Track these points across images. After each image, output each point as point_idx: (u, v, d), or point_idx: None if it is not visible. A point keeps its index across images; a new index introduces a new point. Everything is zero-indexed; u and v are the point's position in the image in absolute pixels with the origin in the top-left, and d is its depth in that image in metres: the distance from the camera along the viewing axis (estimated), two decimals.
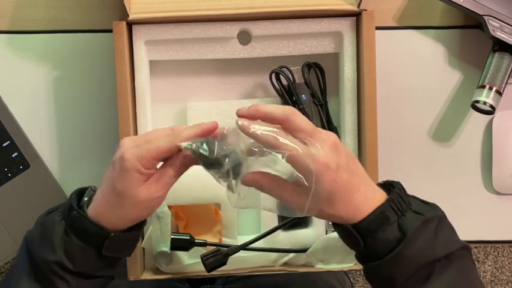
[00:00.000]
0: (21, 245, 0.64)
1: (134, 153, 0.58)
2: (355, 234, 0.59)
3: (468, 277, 0.61)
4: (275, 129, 0.57)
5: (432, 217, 0.60)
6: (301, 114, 0.58)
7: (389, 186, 0.62)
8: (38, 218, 0.65)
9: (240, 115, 0.59)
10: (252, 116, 0.58)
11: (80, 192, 0.64)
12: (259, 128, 0.57)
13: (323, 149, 0.56)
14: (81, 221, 0.60)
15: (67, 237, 0.60)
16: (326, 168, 0.56)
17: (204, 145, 0.59)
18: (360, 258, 0.63)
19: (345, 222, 0.60)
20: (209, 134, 0.60)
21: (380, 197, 0.60)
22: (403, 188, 0.62)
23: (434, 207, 0.62)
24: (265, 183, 0.59)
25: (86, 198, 0.62)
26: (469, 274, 0.61)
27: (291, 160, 0.56)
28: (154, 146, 0.58)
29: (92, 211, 0.61)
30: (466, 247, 0.61)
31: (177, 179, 0.61)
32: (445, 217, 0.62)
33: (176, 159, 0.60)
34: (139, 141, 0.59)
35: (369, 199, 0.59)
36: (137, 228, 0.64)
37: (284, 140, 0.56)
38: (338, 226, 0.62)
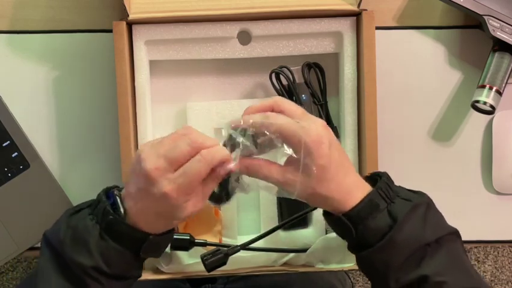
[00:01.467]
0: (41, 244, 0.64)
1: (177, 189, 0.57)
2: (346, 222, 0.60)
3: (459, 260, 0.62)
4: (266, 114, 0.60)
5: (421, 202, 0.61)
6: (290, 101, 0.62)
7: (375, 177, 0.64)
8: (62, 218, 0.64)
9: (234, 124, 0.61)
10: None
11: (107, 194, 0.63)
12: (251, 117, 0.60)
13: (315, 125, 0.59)
14: (119, 226, 0.60)
15: (103, 242, 0.60)
16: (319, 141, 0.59)
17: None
18: (352, 248, 0.64)
19: (336, 210, 0.61)
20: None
21: (367, 186, 0.62)
22: (390, 178, 0.64)
23: (420, 194, 0.64)
24: (254, 167, 0.61)
25: (122, 210, 0.61)
26: (459, 257, 0.63)
27: (283, 134, 0.58)
28: (194, 174, 0.57)
29: (130, 220, 0.61)
30: (455, 232, 0.63)
31: (213, 188, 0.61)
32: (433, 203, 0.63)
33: (216, 175, 0.60)
34: (168, 171, 0.57)
35: (359, 186, 0.62)
36: (171, 231, 0.65)
37: (276, 118, 0.59)
38: (329, 216, 0.63)
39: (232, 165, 0.59)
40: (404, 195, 0.62)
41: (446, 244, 0.61)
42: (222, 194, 0.63)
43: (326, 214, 0.64)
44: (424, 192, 0.64)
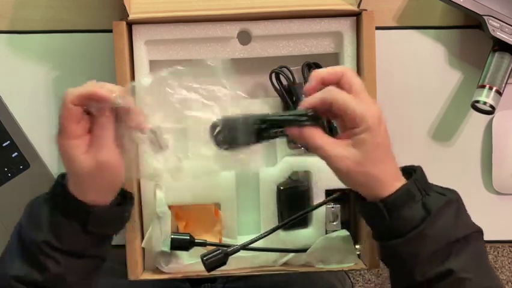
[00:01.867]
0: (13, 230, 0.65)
1: (63, 115, 0.60)
2: (382, 208, 0.60)
3: (484, 259, 0.63)
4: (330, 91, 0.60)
5: (454, 198, 0.62)
6: (357, 75, 0.61)
7: (409, 170, 0.64)
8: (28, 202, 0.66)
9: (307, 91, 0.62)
10: (315, 87, 0.62)
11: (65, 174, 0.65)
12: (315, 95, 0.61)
13: (376, 106, 0.60)
14: (64, 197, 0.61)
15: (53, 216, 0.61)
16: (379, 119, 0.59)
17: None
18: (379, 236, 0.64)
19: (372, 195, 0.61)
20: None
21: (403, 177, 0.62)
22: (423, 172, 0.64)
23: (453, 191, 0.64)
24: (306, 133, 0.61)
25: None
26: (484, 256, 0.63)
27: (345, 109, 0.59)
28: (75, 95, 0.60)
29: (70, 188, 0.62)
30: (481, 231, 0.64)
31: (110, 134, 0.61)
32: (462, 200, 0.64)
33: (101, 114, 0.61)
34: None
35: (399, 174, 0.62)
36: (123, 205, 0.65)
37: (339, 93, 0.59)
38: (363, 202, 0.63)
39: (114, 96, 0.60)
40: (438, 190, 0.62)
41: (473, 242, 0.61)
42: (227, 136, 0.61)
43: (359, 199, 0.64)
44: (454, 189, 0.65)
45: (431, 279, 0.60)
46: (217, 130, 0.61)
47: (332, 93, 0.59)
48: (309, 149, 0.61)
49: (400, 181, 0.62)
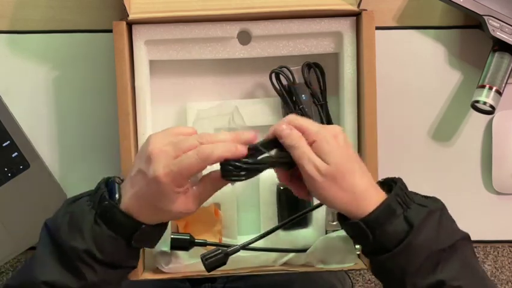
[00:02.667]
0: (41, 232, 0.64)
1: (168, 175, 0.58)
2: (364, 228, 0.61)
3: (471, 264, 0.63)
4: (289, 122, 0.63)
5: (436, 208, 0.62)
6: (302, 118, 0.63)
7: (390, 183, 0.64)
8: (63, 205, 0.65)
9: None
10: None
11: (107, 182, 0.64)
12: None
13: (332, 126, 0.63)
14: (112, 211, 0.61)
15: (97, 227, 0.61)
16: (335, 135, 0.62)
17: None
18: (367, 252, 0.64)
19: (352, 214, 0.61)
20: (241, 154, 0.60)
21: (382, 192, 0.63)
22: (404, 183, 0.64)
23: (435, 199, 0.64)
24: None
25: (117, 196, 0.62)
26: (472, 261, 0.64)
27: (305, 131, 0.62)
28: (185, 166, 0.58)
29: (125, 207, 0.61)
30: (467, 236, 0.64)
31: (212, 193, 0.63)
32: (446, 208, 0.64)
33: (216, 177, 0.61)
34: (169, 156, 0.58)
35: (374, 189, 0.62)
36: (164, 224, 0.65)
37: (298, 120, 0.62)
38: (345, 221, 0.63)
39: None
40: (419, 201, 0.62)
41: (459, 249, 0.62)
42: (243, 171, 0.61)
43: (341, 219, 0.64)
44: (437, 197, 0.65)
45: None
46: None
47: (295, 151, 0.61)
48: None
49: (378, 196, 0.62)
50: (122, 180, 0.64)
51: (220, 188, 0.62)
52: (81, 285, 0.61)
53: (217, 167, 0.61)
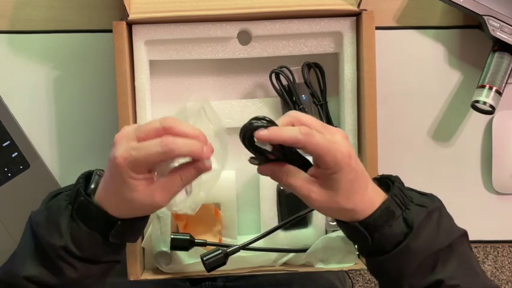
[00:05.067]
0: (25, 225, 0.64)
1: (127, 159, 0.55)
2: (363, 231, 0.60)
3: (469, 262, 0.63)
4: (301, 130, 0.56)
5: (434, 208, 0.61)
6: (305, 114, 0.59)
7: (386, 181, 0.63)
8: (45, 199, 0.64)
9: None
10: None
11: (87, 176, 0.64)
12: (284, 131, 0.56)
13: (341, 138, 0.57)
14: (88, 207, 0.60)
15: (74, 223, 0.60)
16: (349, 156, 0.57)
17: None
18: (365, 253, 0.64)
19: (353, 218, 0.60)
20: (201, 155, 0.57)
21: (381, 193, 0.61)
22: (402, 182, 0.63)
23: (432, 197, 0.63)
24: (279, 173, 0.59)
25: (92, 186, 0.62)
26: (469, 259, 0.63)
27: (319, 152, 0.56)
28: (145, 154, 0.55)
29: (98, 199, 0.60)
30: (464, 233, 0.63)
31: (180, 184, 0.59)
32: (444, 206, 0.63)
33: (187, 170, 0.58)
34: (132, 144, 0.56)
35: (376, 194, 0.61)
36: (144, 216, 0.64)
37: (312, 136, 0.55)
38: (343, 224, 0.62)
39: (206, 163, 0.57)
40: (418, 201, 0.61)
41: (457, 248, 0.61)
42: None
43: (339, 220, 0.63)
44: (434, 194, 0.64)
45: None
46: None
47: (306, 137, 0.55)
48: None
49: (379, 198, 0.60)
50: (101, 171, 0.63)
51: (190, 182, 0.59)
52: (61, 281, 0.61)
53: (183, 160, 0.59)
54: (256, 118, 0.57)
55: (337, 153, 0.56)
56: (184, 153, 0.56)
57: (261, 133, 0.56)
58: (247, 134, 0.57)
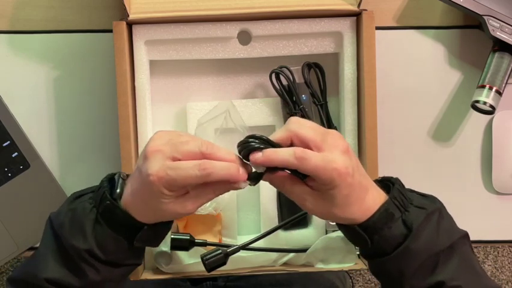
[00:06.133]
0: (45, 226, 0.64)
1: (163, 178, 0.56)
2: (362, 233, 0.60)
3: (470, 263, 0.63)
4: (296, 154, 0.56)
5: (434, 210, 0.61)
6: (305, 124, 0.58)
7: (387, 183, 0.63)
8: (67, 200, 0.64)
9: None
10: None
11: (110, 179, 0.63)
12: (279, 153, 0.56)
13: (338, 156, 0.56)
14: (114, 211, 0.60)
15: (99, 226, 0.60)
16: (346, 174, 0.56)
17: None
18: (366, 255, 0.64)
19: (351, 223, 0.60)
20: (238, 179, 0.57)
21: (382, 194, 0.61)
22: (402, 184, 0.63)
23: (432, 199, 0.63)
24: (277, 181, 0.60)
25: (118, 190, 0.61)
26: (470, 260, 0.63)
27: (317, 174, 0.56)
28: (183, 176, 0.55)
29: (124, 204, 0.60)
30: (465, 235, 0.63)
31: (212, 197, 0.60)
32: (444, 207, 0.63)
33: (222, 185, 0.58)
34: (168, 163, 0.56)
35: (376, 198, 0.60)
36: (168, 223, 0.64)
37: (308, 160, 0.55)
38: (343, 226, 0.62)
39: (242, 185, 0.58)
40: (418, 203, 0.61)
41: (458, 249, 0.61)
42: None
43: (339, 224, 0.63)
44: (435, 196, 0.64)
45: None
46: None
47: (300, 162, 0.55)
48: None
49: (380, 199, 0.60)
50: (128, 176, 0.63)
51: (221, 194, 0.60)
52: (83, 283, 0.61)
53: None
54: (253, 137, 0.57)
55: (333, 173, 0.56)
56: (222, 177, 0.56)
57: (256, 156, 0.56)
58: (243, 153, 0.58)
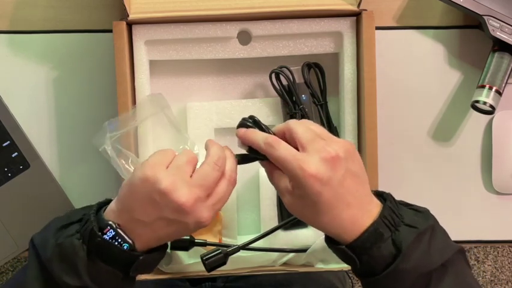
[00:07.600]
0: (29, 253, 0.62)
1: (211, 217, 0.59)
2: (350, 254, 0.59)
3: (464, 280, 0.61)
4: (267, 140, 0.60)
5: (426, 228, 0.59)
6: (304, 124, 0.60)
7: (379, 198, 0.62)
8: (50, 228, 0.62)
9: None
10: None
11: (97, 210, 0.62)
12: (252, 135, 0.62)
13: (315, 160, 0.57)
14: (109, 249, 0.59)
15: (91, 262, 0.59)
16: (313, 178, 0.56)
17: None
18: (357, 274, 0.62)
19: (338, 238, 0.60)
20: None
21: (374, 212, 0.59)
22: (394, 200, 0.61)
23: (425, 215, 0.61)
24: (266, 170, 0.63)
25: (130, 241, 0.59)
26: (465, 278, 0.61)
27: (281, 164, 0.59)
28: (224, 201, 0.61)
29: (128, 231, 0.59)
30: (460, 250, 0.61)
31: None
32: (437, 224, 0.61)
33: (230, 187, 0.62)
34: (209, 203, 0.59)
35: (359, 218, 0.59)
36: (164, 247, 0.64)
37: (276, 149, 0.59)
38: (332, 246, 0.62)
39: None
40: (409, 221, 0.59)
41: (451, 266, 0.60)
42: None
43: (328, 241, 0.62)
44: (428, 209, 0.62)
45: None
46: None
47: (267, 148, 0.60)
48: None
49: (368, 218, 0.59)
50: (109, 201, 0.62)
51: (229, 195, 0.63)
52: None
53: None
54: (251, 117, 0.63)
55: (297, 171, 0.56)
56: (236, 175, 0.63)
57: (239, 131, 0.63)
58: (236, 127, 0.64)
